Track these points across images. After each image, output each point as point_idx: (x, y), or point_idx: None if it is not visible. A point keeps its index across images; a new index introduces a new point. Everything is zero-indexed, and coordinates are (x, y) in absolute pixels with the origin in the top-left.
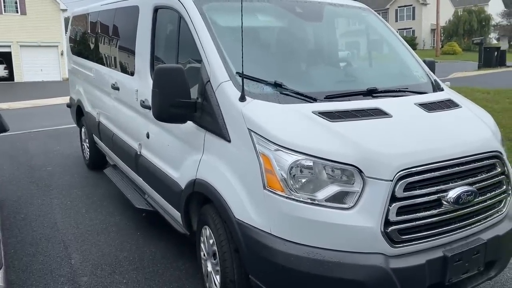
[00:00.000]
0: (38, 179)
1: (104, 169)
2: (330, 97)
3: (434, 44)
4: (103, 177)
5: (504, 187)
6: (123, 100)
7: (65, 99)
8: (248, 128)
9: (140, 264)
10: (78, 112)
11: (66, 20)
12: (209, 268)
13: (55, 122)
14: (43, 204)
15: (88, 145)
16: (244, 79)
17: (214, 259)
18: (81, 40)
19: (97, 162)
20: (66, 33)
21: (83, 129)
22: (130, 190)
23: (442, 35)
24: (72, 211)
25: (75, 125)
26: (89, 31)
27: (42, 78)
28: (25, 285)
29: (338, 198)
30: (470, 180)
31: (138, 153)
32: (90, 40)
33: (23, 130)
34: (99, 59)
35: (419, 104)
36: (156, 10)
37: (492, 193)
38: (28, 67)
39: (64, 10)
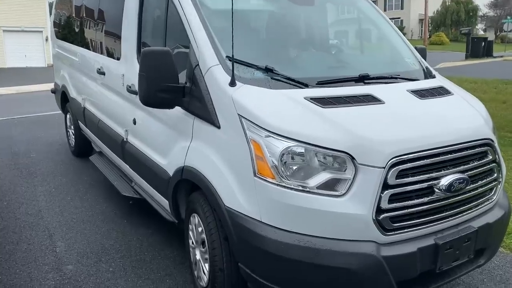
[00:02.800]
0: (22, 166)
1: (89, 156)
2: (322, 83)
3: (422, 34)
4: (88, 164)
5: (495, 174)
6: (109, 85)
7: (50, 86)
8: (238, 114)
9: (127, 252)
10: (63, 98)
11: (51, 4)
12: (198, 256)
13: (39, 109)
14: (26, 192)
15: (73, 131)
16: (235, 64)
17: (203, 247)
18: (65, 24)
19: (82, 149)
20: (50, 17)
21: (68, 116)
22: (117, 177)
23: (430, 25)
24: (57, 199)
25: (60, 111)
26: (73, 15)
27: (26, 64)
28: (8, 273)
29: (330, 186)
30: (462, 167)
31: (125, 139)
32: (75, 24)
33: (6, 116)
34: (84, 44)
35: (411, 91)
36: None
37: (483, 181)
38: (12, 53)
39: None
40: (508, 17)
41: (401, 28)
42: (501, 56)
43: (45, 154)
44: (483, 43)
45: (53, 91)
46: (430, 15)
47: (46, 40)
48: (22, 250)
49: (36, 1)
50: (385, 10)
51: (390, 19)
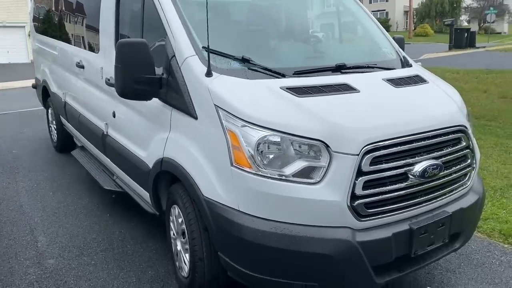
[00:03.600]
0: (3, 162)
1: (72, 151)
2: (298, 73)
3: (407, 26)
4: (70, 160)
5: (469, 160)
6: (88, 78)
7: (33, 81)
8: (215, 104)
9: (109, 245)
10: (44, 93)
11: None
12: (179, 247)
13: (22, 105)
14: (8, 188)
15: (55, 126)
16: (211, 54)
17: (183, 238)
18: (44, 18)
19: (65, 144)
20: (29, 12)
21: (49, 111)
22: (98, 172)
23: (414, 17)
24: (39, 194)
25: (42, 107)
26: (52, 8)
27: (8, 60)
28: None
29: (305, 173)
30: (435, 154)
31: (105, 133)
32: (53, 18)
33: None
34: (63, 37)
35: (387, 80)
36: None
37: (457, 167)
38: None
39: None
40: (491, 8)
41: (386, 20)
42: (484, 47)
43: (27, 150)
44: (466, 34)
45: (34, 86)
46: (415, 7)
47: (29, 35)
48: (3, 246)
49: None
50: (370, 2)
51: (375, 11)
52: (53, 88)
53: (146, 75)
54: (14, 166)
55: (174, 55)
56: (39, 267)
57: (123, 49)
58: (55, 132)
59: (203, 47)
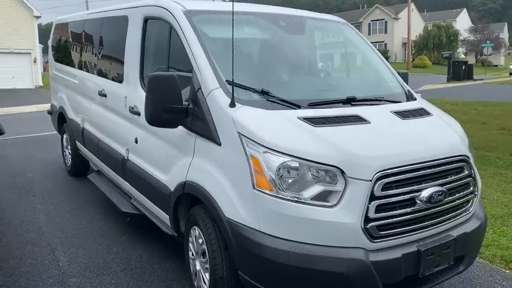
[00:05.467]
0: (19, 185)
1: (86, 175)
2: (313, 104)
3: (405, 57)
4: (84, 183)
5: (471, 188)
6: (110, 106)
7: (39, 107)
8: (238, 132)
9: (128, 265)
10: (60, 118)
11: (40, 27)
12: (198, 267)
13: (31, 130)
14: (26, 210)
15: (70, 151)
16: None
17: (203, 258)
18: (64, 48)
19: (78, 168)
20: (41, 40)
21: (65, 136)
22: (115, 195)
23: (413, 48)
24: (56, 216)
25: (53, 132)
26: (73, 39)
27: (13, 85)
28: (14, 286)
29: (322, 197)
30: (440, 181)
31: (126, 157)
32: (74, 48)
33: None
34: (84, 67)
35: (395, 112)
36: (146, 20)
37: (460, 194)
38: None
39: (37, 17)
40: (488, 41)
41: (385, 51)
42: (481, 79)
43: (41, 174)
44: (463, 67)
45: (49, 112)
46: (413, 39)
47: (35, 62)
48: (26, 265)
49: (25, 23)
50: (369, 34)
51: (374, 42)
52: (70, 114)
53: (174, 105)
54: (30, 189)
55: (200, 87)
56: (63, 285)
57: (154, 81)
58: (70, 157)
59: (227, 81)
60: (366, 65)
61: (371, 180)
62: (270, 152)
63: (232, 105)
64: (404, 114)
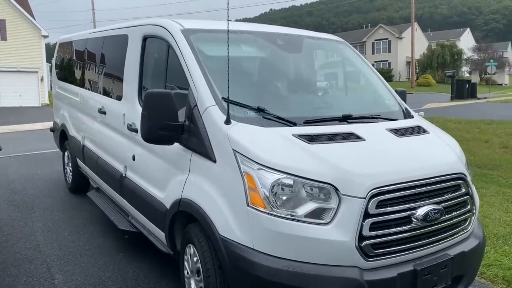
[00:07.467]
0: (20, 202)
1: (87, 193)
2: (308, 122)
3: (409, 76)
4: (84, 201)
5: (469, 206)
6: (109, 124)
7: (44, 125)
8: (233, 149)
9: (124, 284)
10: (62, 136)
11: (47, 46)
12: (193, 285)
13: (34, 147)
14: (25, 227)
15: (71, 169)
16: (229, 104)
17: (198, 276)
18: (67, 66)
19: (79, 186)
20: (48, 59)
21: (66, 153)
22: (113, 212)
23: (417, 67)
24: (55, 233)
25: (54, 150)
26: (76, 57)
27: (20, 104)
28: None
29: (316, 214)
30: (437, 199)
31: (123, 175)
32: (76, 66)
33: (2, 154)
34: (85, 85)
35: (390, 130)
36: (145, 39)
37: (457, 212)
38: (6, 92)
39: (45, 37)
40: (491, 60)
41: (389, 70)
42: (485, 98)
43: (42, 191)
44: (467, 85)
45: (52, 130)
46: (417, 58)
47: (41, 80)
48: (22, 283)
49: (32, 42)
50: (373, 53)
51: (378, 62)
52: (72, 131)
53: (170, 122)
54: (30, 206)
55: (196, 105)
56: None
57: (150, 99)
58: (70, 174)
59: (223, 98)
60: (364, 83)
61: (365, 198)
62: (264, 169)
63: (227, 122)
64: (400, 132)
